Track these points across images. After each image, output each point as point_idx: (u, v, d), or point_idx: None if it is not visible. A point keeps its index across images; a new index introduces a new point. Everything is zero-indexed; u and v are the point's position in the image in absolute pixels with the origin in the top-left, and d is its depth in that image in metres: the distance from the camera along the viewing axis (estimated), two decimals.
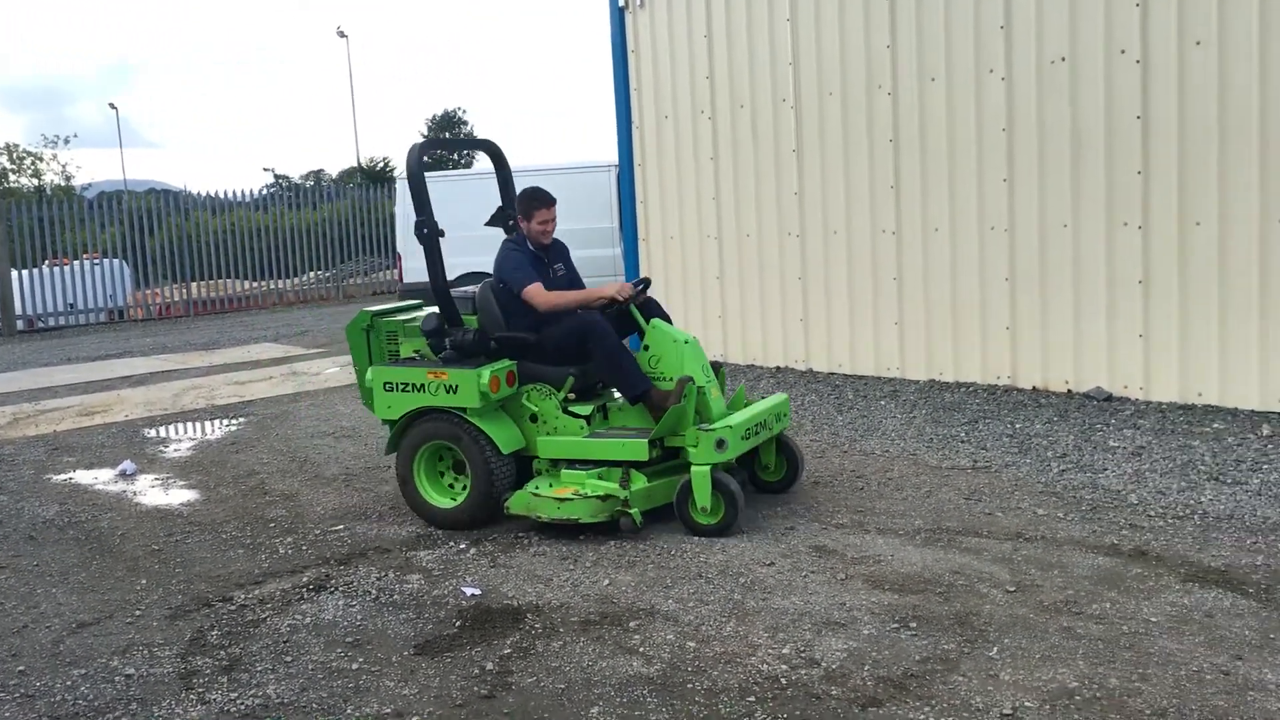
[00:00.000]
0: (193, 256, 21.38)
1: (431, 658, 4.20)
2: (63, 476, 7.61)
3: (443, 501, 5.86)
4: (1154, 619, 4.19)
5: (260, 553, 5.63)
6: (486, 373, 5.62)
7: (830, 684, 3.78)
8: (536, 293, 5.90)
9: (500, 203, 6.51)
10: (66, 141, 62.24)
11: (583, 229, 12.48)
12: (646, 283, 6.22)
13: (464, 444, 5.70)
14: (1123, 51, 7.67)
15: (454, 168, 35.42)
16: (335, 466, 7.45)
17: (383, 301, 20.66)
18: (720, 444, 5.39)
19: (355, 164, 49.53)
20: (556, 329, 5.87)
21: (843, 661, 3.94)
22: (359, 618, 4.63)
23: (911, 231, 9.05)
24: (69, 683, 4.13)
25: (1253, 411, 7.26)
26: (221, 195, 22.38)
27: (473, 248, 10.14)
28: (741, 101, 10.15)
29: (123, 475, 7.51)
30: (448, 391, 5.70)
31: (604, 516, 5.45)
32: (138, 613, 4.85)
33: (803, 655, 4.01)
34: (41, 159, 39.43)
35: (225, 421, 9.43)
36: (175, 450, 8.35)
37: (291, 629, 4.54)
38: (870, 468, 6.65)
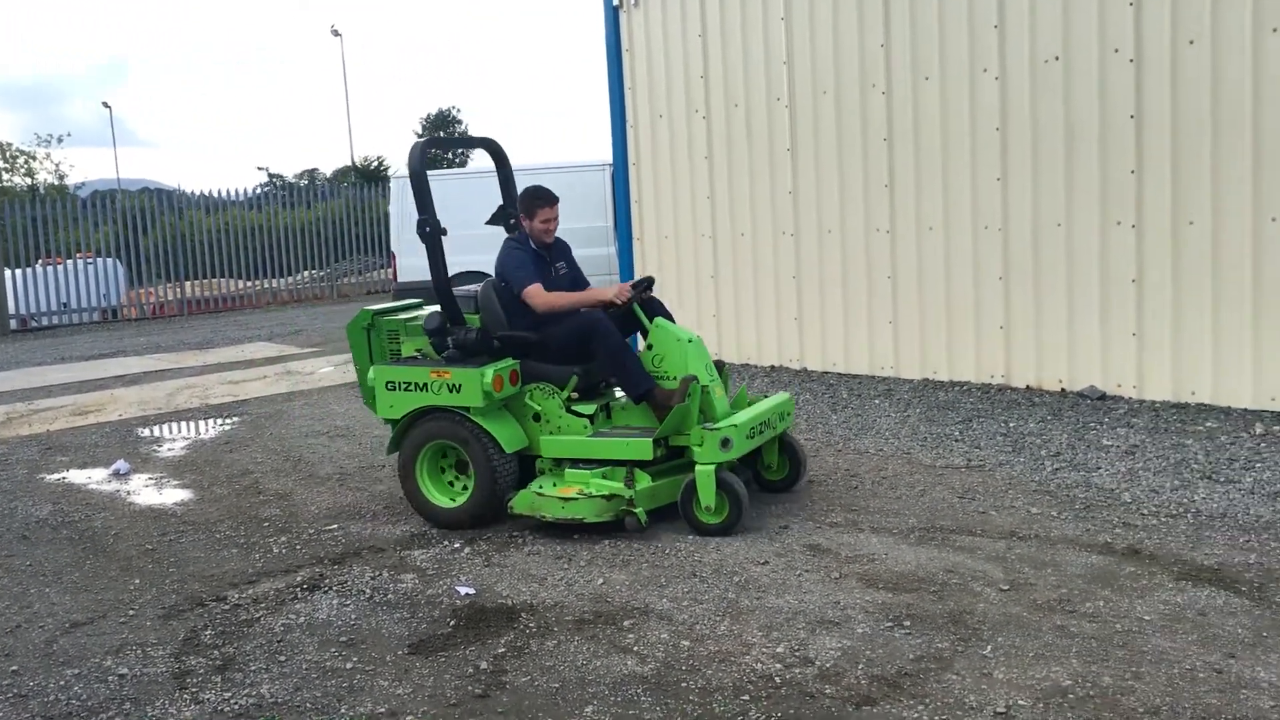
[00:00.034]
0: (186, 256, 21.33)
1: (426, 657, 4.19)
2: (56, 476, 7.59)
3: (446, 501, 5.83)
4: (1147, 617, 4.19)
5: (254, 552, 5.63)
6: (490, 371, 5.60)
7: (824, 683, 3.78)
8: (535, 293, 5.89)
9: (500, 201, 6.49)
10: (60, 140, 61.80)
11: (577, 228, 12.45)
12: (650, 282, 6.18)
13: (467, 443, 5.68)
14: (1116, 50, 7.68)
15: (448, 166, 35.38)
16: (329, 466, 7.44)
17: (377, 301, 20.64)
18: (725, 443, 5.38)
19: (349, 163, 49.51)
20: (560, 328, 5.85)
21: (837, 660, 3.95)
22: (353, 617, 4.62)
23: (906, 230, 9.06)
24: (62, 683, 4.13)
25: (1246, 410, 7.28)
26: (215, 194, 22.34)
27: (469, 247, 10.15)
28: (736, 100, 10.15)
29: (116, 475, 7.50)
30: (451, 391, 5.68)
31: (609, 516, 5.44)
32: (131, 612, 4.84)
33: (797, 654, 4.01)
34: (35, 158, 39.22)
35: (219, 421, 9.42)
36: (169, 450, 8.34)
37: (285, 628, 4.53)
38: (864, 466, 6.66)
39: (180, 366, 13.06)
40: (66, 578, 5.39)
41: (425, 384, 5.75)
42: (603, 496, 5.43)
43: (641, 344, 5.98)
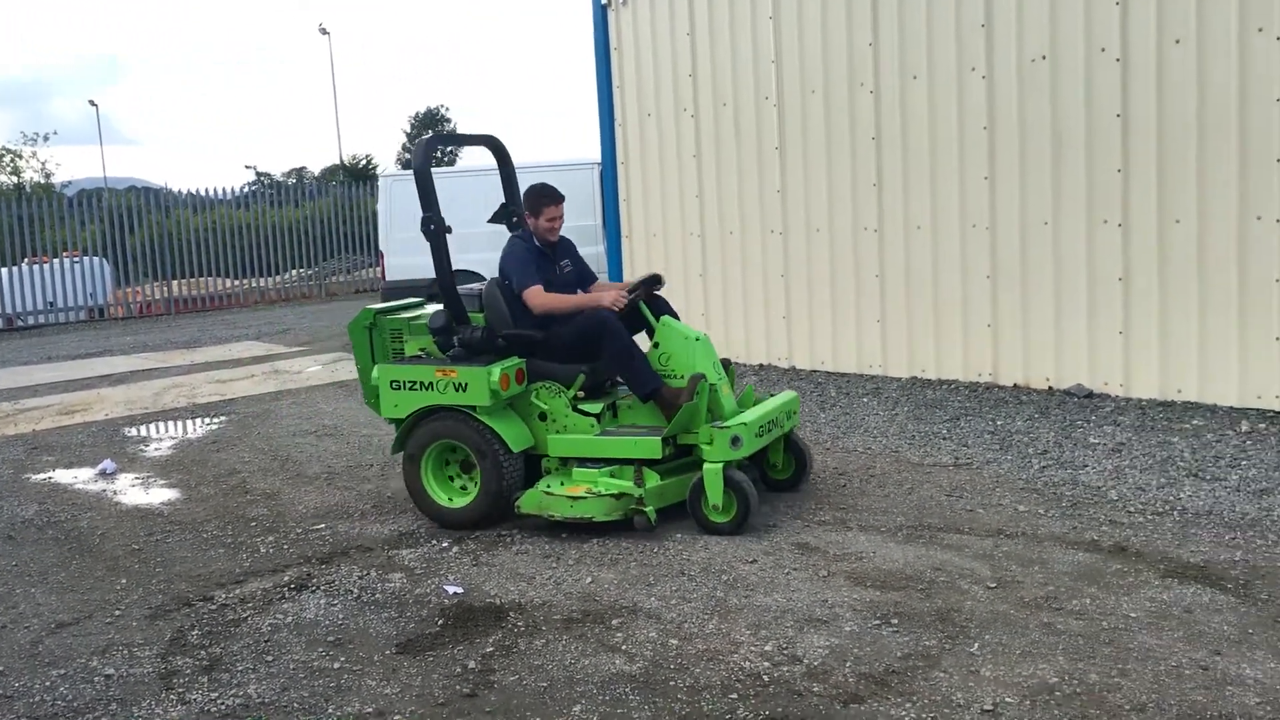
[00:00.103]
0: (174, 254, 21.26)
1: (414, 656, 4.19)
2: (42, 476, 7.56)
3: (451, 501, 5.79)
4: (1133, 614, 4.21)
5: (241, 552, 5.61)
6: (497, 370, 5.57)
7: (812, 681, 3.79)
8: (534, 295, 5.86)
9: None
10: (46, 139, 61.33)
11: (566, 227, 12.46)
12: (657, 280, 6.11)
13: (473, 443, 5.64)
14: (1103, 50, 7.71)
15: (435, 164, 35.31)
16: (317, 465, 7.42)
17: (366, 300, 20.60)
18: (735, 441, 5.37)
19: (338, 161, 49.40)
20: (566, 327, 5.81)
21: (824, 658, 3.95)
22: (341, 617, 4.61)
23: (894, 229, 9.07)
24: (48, 683, 4.11)
25: (1231, 408, 7.31)
26: (203, 193, 22.29)
27: (462, 246, 10.13)
28: (724, 99, 10.16)
29: (103, 474, 7.47)
30: (457, 390, 5.64)
31: (618, 515, 5.41)
32: (117, 613, 4.82)
33: (785, 652, 4.02)
34: (21, 156, 39.03)
35: (206, 420, 9.39)
36: (156, 449, 8.31)
37: (273, 628, 4.52)
38: (852, 465, 6.67)
39: (167, 366, 13.01)
40: (52, 578, 5.37)
41: (431, 383, 5.70)
42: (612, 495, 5.41)
43: (648, 342, 5.95)
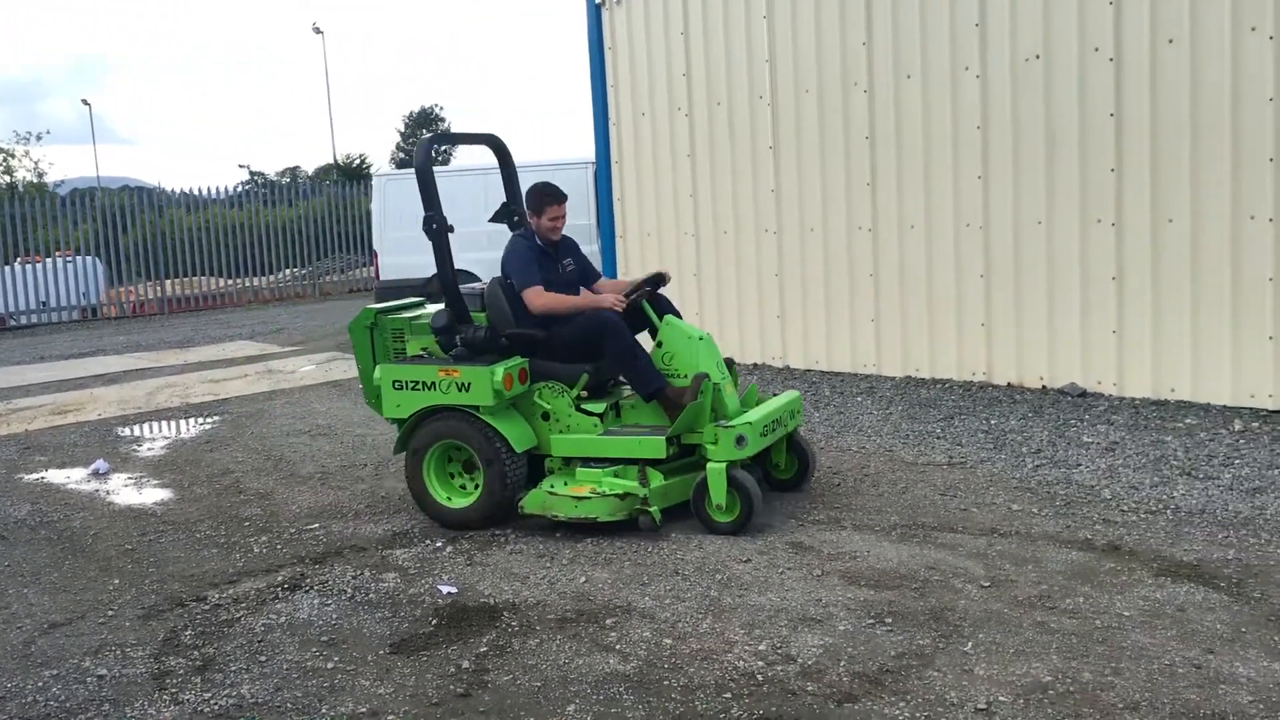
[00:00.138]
0: (167, 254, 21.22)
1: (407, 656, 4.18)
2: (34, 476, 7.54)
3: (453, 501, 5.76)
4: (1127, 613, 4.22)
5: (235, 552, 5.60)
6: (500, 370, 5.54)
7: (806, 680, 3.79)
8: (534, 295, 5.84)
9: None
10: (39, 138, 61.38)
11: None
12: (662, 279, 6.08)
13: (476, 443, 5.62)
14: (1096, 49, 7.72)
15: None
16: (311, 465, 7.41)
17: (360, 299, 20.58)
18: (740, 440, 5.36)
19: (332, 161, 49.33)
20: (569, 326, 5.79)
21: (819, 657, 3.95)
22: (334, 617, 4.60)
23: (888, 228, 9.08)
24: (40, 684, 4.09)
25: (1224, 407, 7.33)
26: (196, 192, 22.23)
27: (463, 245, 10.11)
28: (718, 99, 10.15)
29: (95, 474, 7.45)
30: (460, 389, 5.61)
31: (622, 515, 5.40)
32: (110, 613, 4.81)
33: (779, 651, 4.02)
34: (13, 155, 38.99)
35: (200, 420, 9.37)
36: (149, 449, 8.29)
37: (266, 628, 4.51)
38: (846, 464, 6.67)
39: (160, 365, 12.99)
40: (45, 578, 5.35)
41: (433, 383, 5.68)
42: (616, 495, 5.39)
43: (651, 342, 5.94)
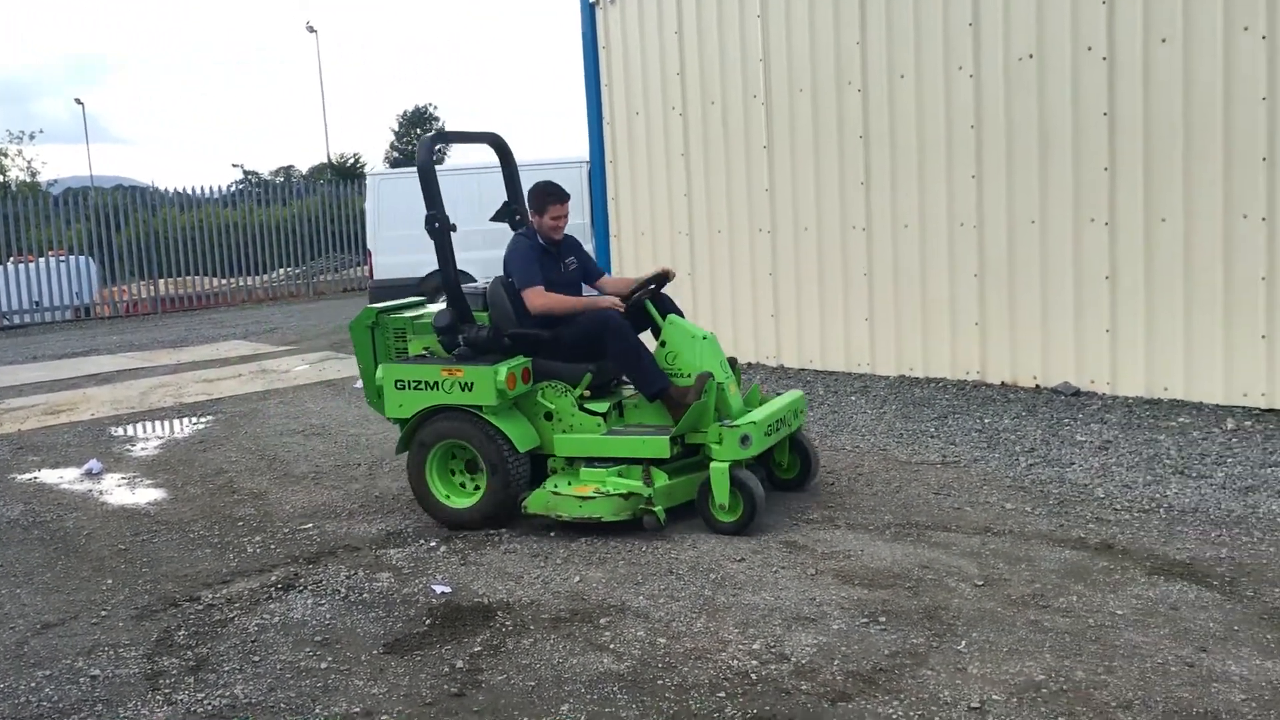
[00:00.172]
0: (160, 253, 21.18)
1: (401, 656, 4.18)
2: (27, 476, 7.52)
3: (456, 501, 5.75)
4: (1120, 612, 4.22)
5: (228, 552, 5.59)
6: (504, 369, 5.53)
7: (800, 679, 3.79)
8: (534, 295, 5.83)
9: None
10: (32, 137, 60.95)
11: None
12: (665, 277, 6.06)
13: (479, 442, 5.60)
14: (1089, 48, 7.73)
15: None
16: (304, 464, 7.40)
17: (354, 299, 20.55)
18: (745, 440, 5.36)
19: (326, 160, 49.24)
20: (572, 326, 5.78)
21: (812, 656, 3.96)
22: (328, 616, 4.60)
23: (881, 228, 9.09)
24: (33, 684, 4.09)
25: (1218, 406, 7.34)
26: (190, 191, 22.19)
27: (460, 244, 10.09)
28: (712, 98, 10.15)
29: (89, 474, 7.44)
30: (463, 389, 5.59)
31: (626, 515, 5.39)
32: (103, 613, 4.80)
33: (773, 650, 4.02)
34: (6, 155, 38.88)
35: (193, 420, 9.36)
36: (142, 449, 8.28)
37: (259, 628, 4.51)
38: (840, 463, 6.67)
39: (154, 365, 12.97)
40: (38, 578, 5.34)
41: (436, 382, 5.66)
42: (620, 495, 5.39)
43: (654, 341, 5.92)
